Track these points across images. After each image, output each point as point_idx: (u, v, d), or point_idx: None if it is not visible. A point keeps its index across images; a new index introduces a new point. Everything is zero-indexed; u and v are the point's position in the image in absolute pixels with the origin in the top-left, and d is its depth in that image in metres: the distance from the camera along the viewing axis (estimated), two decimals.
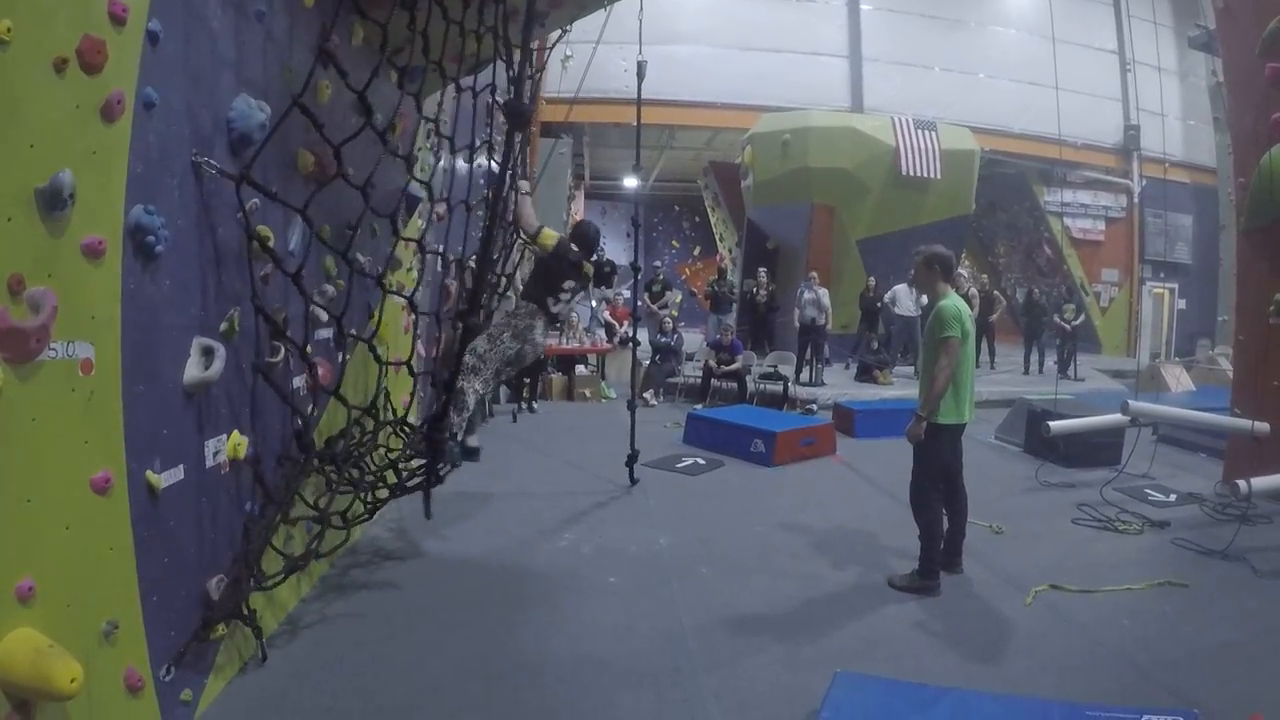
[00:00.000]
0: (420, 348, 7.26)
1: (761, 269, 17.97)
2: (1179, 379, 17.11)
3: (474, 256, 6.35)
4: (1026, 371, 17.58)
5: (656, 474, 9.02)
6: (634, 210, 11.01)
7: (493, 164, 7.86)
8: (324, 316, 4.92)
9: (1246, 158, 8.55)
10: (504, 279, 7.49)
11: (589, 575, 5.97)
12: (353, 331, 5.16)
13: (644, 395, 13.52)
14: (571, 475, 8.93)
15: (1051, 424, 9.15)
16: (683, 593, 5.72)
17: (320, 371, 4.98)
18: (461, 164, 7.41)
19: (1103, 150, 23.64)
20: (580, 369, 15.14)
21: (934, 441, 5.79)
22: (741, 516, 7.59)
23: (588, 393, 14.67)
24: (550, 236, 6.50)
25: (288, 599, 5.05)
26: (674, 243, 34.63)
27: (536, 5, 6.32)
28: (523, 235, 6.76)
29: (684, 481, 8.93)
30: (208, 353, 3.78)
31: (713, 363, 14.01)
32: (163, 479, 3.47)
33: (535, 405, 13.27)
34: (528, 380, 13.19)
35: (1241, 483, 6.83)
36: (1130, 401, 8.91)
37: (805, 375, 15.07)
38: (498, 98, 6.71)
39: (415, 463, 6.00)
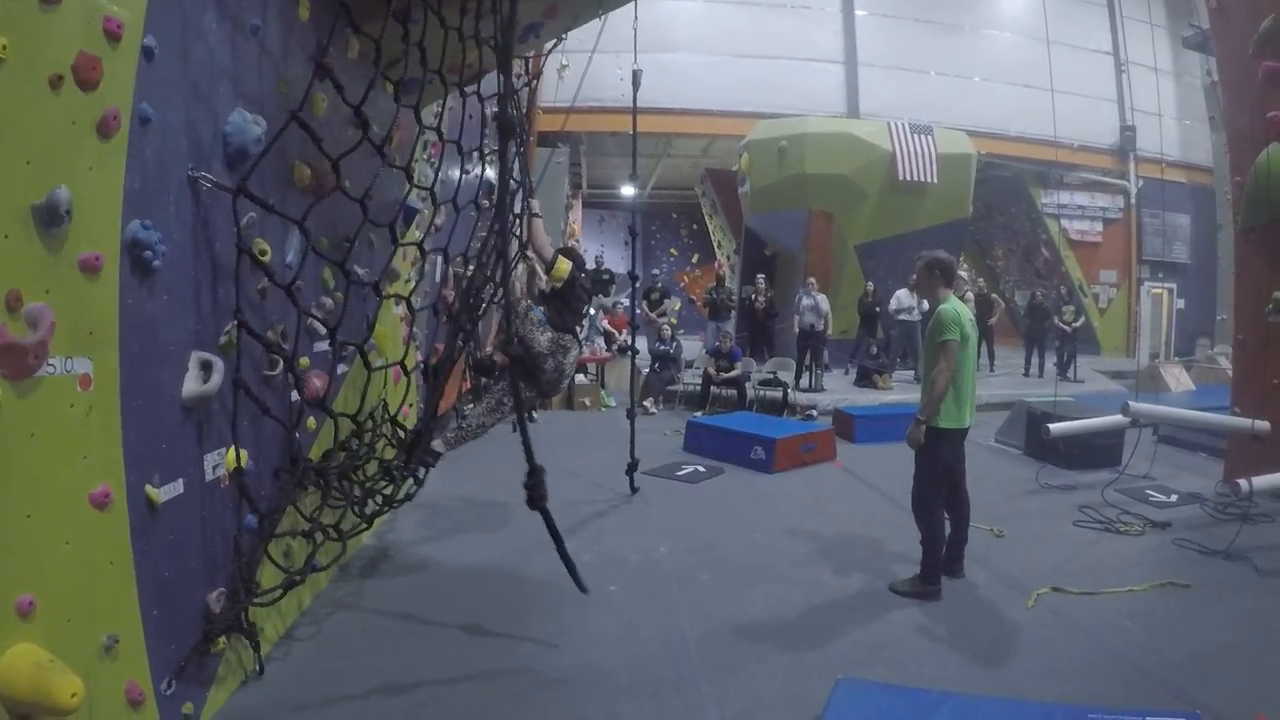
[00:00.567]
0: (419, 356, 7.26)
1: (760, 275, 17.93)
2: (1179, 379, 17.12)
3: (473, 267, 6.35)
4: (1027, 374, 17.57)
5: (656, 482, 9.02)
6: (631, 219, 11.00)
7: (489, 173, 7.85)
8: (321, 330, 4.93)
9: (1242, 157, 8.55)
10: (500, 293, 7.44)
11: (590, 584, 5.96)
12: (339, 338, 5.14)
13: (643, 403, 13.52)
14: (572, 484, 8.92)
15: (1051, 426, 9.15)
16: (684, 601, 5.72)
17: (318, 384, 4.99)
18: (457, 173, 7.43)
19: (1099, 151, 23.64)
20: (580, 378, 15.11)
21: (935, 446, 5.79)
22: (742, 524, 7.59)
23: (587, 401, 14.65)
24: (564, 265, 6.33)
25: (288, 611, 5.04)
26: (672, 251, 34.60)
27: (529, 15, 6.37)
28: (537, 265, 6.63)
29: (684, 489, 8.92)
30: (206, 367, 3.79)
31: (712, 370, 14.00)
32: (162, 493, 3.48)
33: (535, 414, 13.26)
34: None
35: (1242, 482, 6.84)
36: (1130, 402, 8.93)
37: (805, 381, 15.05)
38: (491, 108, 6.70)
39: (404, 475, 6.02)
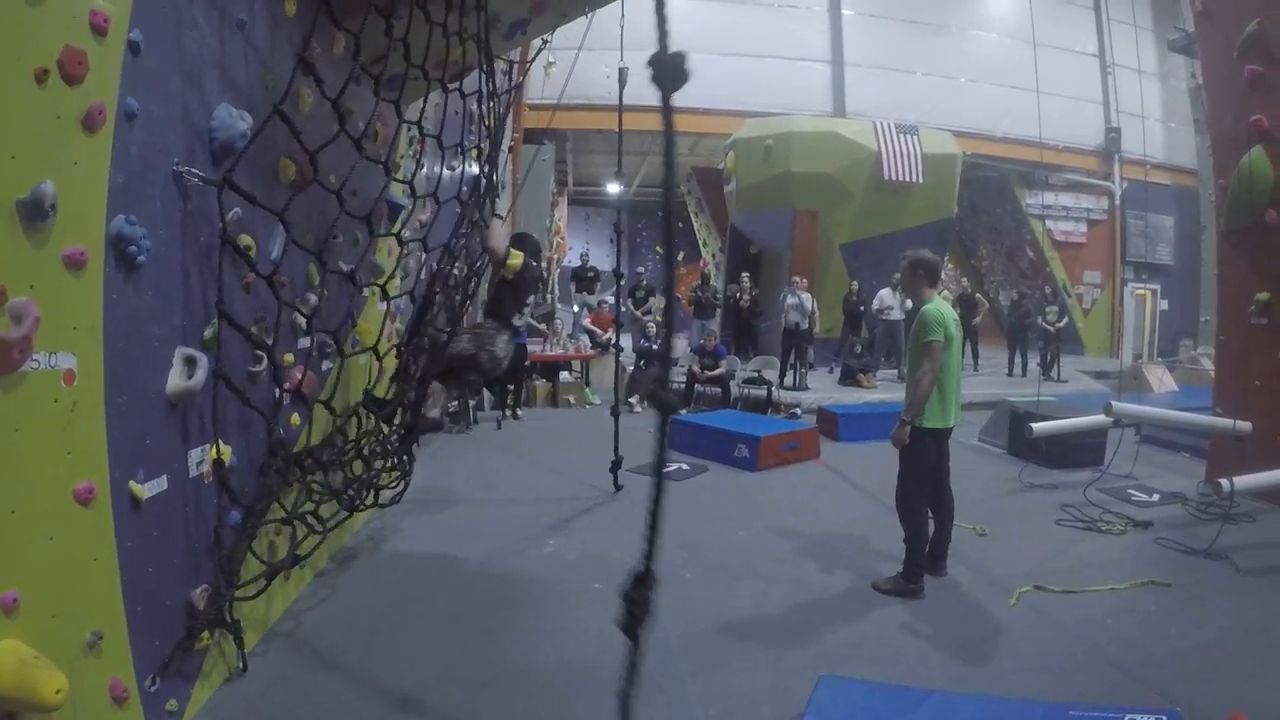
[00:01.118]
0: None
1: (745, 274, 17.96)
2: (1162, 379, 17.20)
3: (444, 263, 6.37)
4: (1011, 373, 17.63)
5: (641, 480, 8.99)
6: (617, 216, 11.02)
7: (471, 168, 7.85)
8: (302, 322, 4.92)
9: (1226, 159, 8.61)
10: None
11: (574, 581, 5.97)
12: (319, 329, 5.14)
13: (628, 401, 13.52)
14: (556, 481, 8.93)
15: (1034, 425, 9.19)
16: (667, 598, 5.67)
17: (301, 378, 4.99)
18: (440, 169, 7.43)
19: (1084, 153, 23.76)
20: (564, 375, 15.13)
21: (919, 445, 5.81)
22: (726, 521, 7.60)
23: (572, 399, 14.66)
24: (517, 257, 6.39)
25: (274, 607, 5.04)
26: (658, 248, 34.60)
27: (516, 12, 6.37)
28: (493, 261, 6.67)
29: (668, 487, 8.88)
30: (190, 362, 3.78)
31: (696, 368, 14.03)
32: (146, 489, 3.47)
33: (520, 412, 13.24)
34: (511, 387, 13.17)
35: (1224, 481, 6.87)
36: (1113, 402, 8.98)
37: (789, 380, 15.08)
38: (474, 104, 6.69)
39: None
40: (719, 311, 18.22)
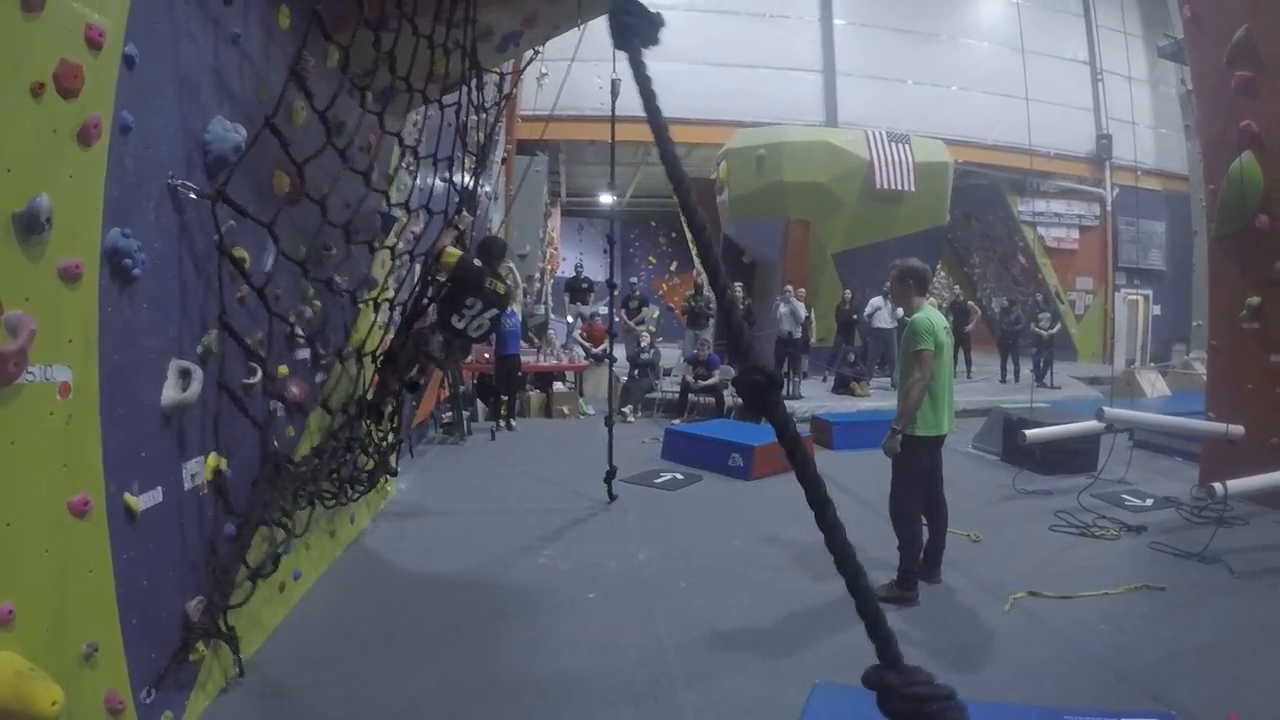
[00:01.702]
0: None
1: (738, 284, 17.96)
2: (1154, 384, 17.24)
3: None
4: (1004, 380, 17.66)
5: (635, 489, 9.03)
6: (610, 227, 11.03)
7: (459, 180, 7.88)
8: (296, 332, 4.94)
9: (1217, 165, 8.66)
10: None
11: (568, 592, 5.97)
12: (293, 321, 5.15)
13: (622, 411, 13.53)
14: (550, 492, 8.93)
15: (1028, 432, 9.19)
16: (662, 608, 5.73)
17: (296, 390, 5.00)
18: (431, 180, 7.45)
19: (1075, 160, 23.80)
20: (558, 385, 15.13)
21: (912, 453, 5.83)
22: (720, 530, 7.61)
23: (566, 409, 14.65)
24: (452, 254, 6.41)
25: (270, 618, 5.04)
26: (650, 258, 34.59)
27: (508, 24, 6.39)
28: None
29: (662, 496, 8.94)
30: (185, 375, 3.79)
31: (690, 378, 14.04)
32: (141, 501, 3.48)
33: (513, 423, 13.23)
34: (505, 398, 13.17)
35: (1217, 485, 6.88)
36: (1106, 408, 8.99)
37: (783, 389, 15.03)
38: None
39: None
40: (712, 321, 18.22)
